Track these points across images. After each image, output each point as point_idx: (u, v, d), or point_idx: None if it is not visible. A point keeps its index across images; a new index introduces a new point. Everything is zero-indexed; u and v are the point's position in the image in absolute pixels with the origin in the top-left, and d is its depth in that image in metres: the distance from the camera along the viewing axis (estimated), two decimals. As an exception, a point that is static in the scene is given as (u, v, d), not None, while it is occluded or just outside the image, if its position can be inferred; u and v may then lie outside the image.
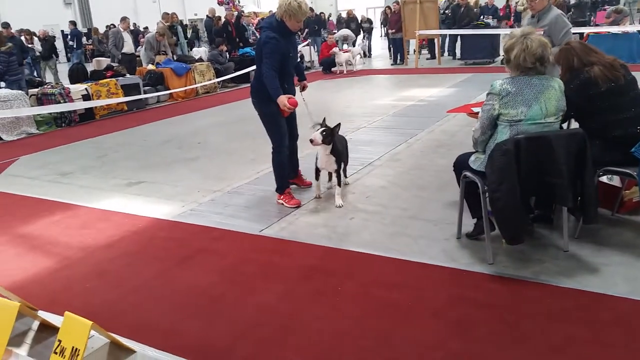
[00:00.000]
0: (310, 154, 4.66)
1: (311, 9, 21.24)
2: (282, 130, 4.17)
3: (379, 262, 3.24)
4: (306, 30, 16.47)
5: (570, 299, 2.68)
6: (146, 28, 19.30)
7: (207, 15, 16.27)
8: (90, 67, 11.02)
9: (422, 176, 4.81)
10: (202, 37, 16.02)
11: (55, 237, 4.02)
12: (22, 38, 13.96)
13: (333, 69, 14.24)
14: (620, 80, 3.07)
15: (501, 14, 16.61)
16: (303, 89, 4.38)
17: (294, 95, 4.15)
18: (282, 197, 4.28)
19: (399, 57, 15.08)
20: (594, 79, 3.06)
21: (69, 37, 15.73)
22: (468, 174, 3.16)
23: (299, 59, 4.24)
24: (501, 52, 3.73)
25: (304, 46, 15.34)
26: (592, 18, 15.99)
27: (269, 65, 3.83)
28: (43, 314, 2.49)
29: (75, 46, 15.51)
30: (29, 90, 9.11)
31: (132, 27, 19.88)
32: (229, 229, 3.90)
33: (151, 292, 3.07)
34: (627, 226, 3.45)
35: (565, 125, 3.50)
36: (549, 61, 2.90)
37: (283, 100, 3.81)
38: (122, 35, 11.72)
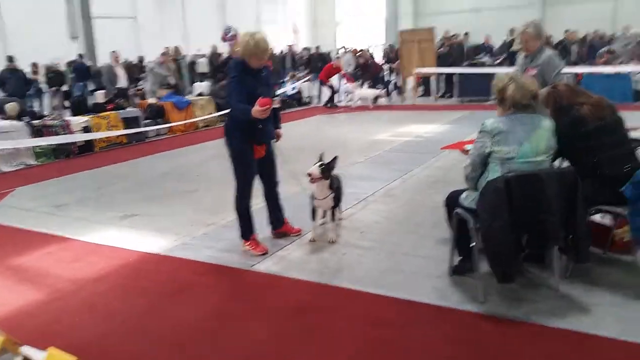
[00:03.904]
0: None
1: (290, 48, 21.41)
2: (250, 174, 3.97)
3: (371, 299, 3.23)
4: (308, 67, 16.75)
5: (562, 340, 2.66)
6: (142, 60, 19.66)
7: (210, 52, 16.67)
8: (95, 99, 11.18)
9: (416, 212, 4.82)
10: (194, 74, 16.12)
11: (46, 269, 4.00)
12: (27, 70, 14.20)
13: (330, 105, 14.24)
14: (607, 119, 3.13)
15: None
16: (277, 138, 4.18)
17: (271, 139, 4.05)
18: (247, 243, 4.05)
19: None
20: (583, 117, 3.12)
21: (72, 70, 15.91)
22: (460, 211, 3.18)
23: (277, 104, 3.97)
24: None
25: (303, 82, 15.56)
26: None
27: (235, 99, 3.74)
28: (27, 350, 2.46)
29: (76, 79, 15.72)
30: (31, 121, 9.20)
31: (135, 61, 20.29)
32: (221, 263, 3.88)
33: (139, 326, 3.04)
34: (618, 266, 3.44)
35: (557, 164, 3.53)
36: (539, 99, 2.97)
37: (255, 109, 3.55)
38: (114, 70, 11.90)
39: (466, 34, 17.00)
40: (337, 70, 14.42)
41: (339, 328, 2.90)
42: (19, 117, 8.98)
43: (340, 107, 14.02)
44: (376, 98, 13.86)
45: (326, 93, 15.06)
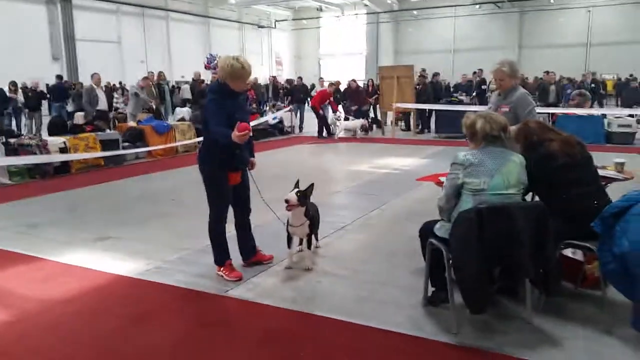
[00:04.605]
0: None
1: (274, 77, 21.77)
2: (224, 200, 3.96)
3: (344, 327, 3.21)
4: (290, 97, 16.93)
5: (532, 372, 2.67)
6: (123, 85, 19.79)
7: (192, 79, 16.78)
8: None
9: (393, 242, 4.84)
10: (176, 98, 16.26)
11: (14, 289, 3.88)
12: (6, 89, 14.06)
13: (322, 135, 14.31)
14: (576, 156, 3.23)
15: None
16: (252, 167, 4.18)
17: (247, 164, 4.04)
18: (222, 269, 4.00)
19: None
20: (553, 153, 3.21)
21: (50, 90, 16.07)
22: (433, 241, 3.21)
23: (250, 132, 3.79)
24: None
25: (285, 112, 15.70)
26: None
27: (215, 122, 3.68)
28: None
29: (52, 99, 15.78)
30: (6, 140, 9.07)
31: (118, 85, 20.29)
32: (194, 288, 3.82)
33: (106, 350, 2.97)
34: (589, 300, 3.49)
35: (528, 199, 3.61)
36: (510, 132, 3.06)
37: (235, 133, 3.47)
38: (95, 92, 11.87)
39: (479, 70, 16.93)
40: (329, 95, 14.55)
41: (311, 356, 2.87)
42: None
43: (329, 138, 14.13)
44: (363, 128, 14.20)
45: (308, 122, 15.21)
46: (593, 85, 16.69)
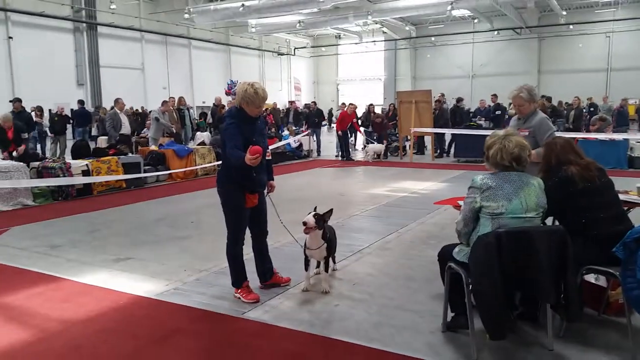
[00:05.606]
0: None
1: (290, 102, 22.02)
2: (242, 222, 4.00)
3: (361, 352, 3.17)
4: (306, 123, 17.13)
5: (555, 400, 2.60)
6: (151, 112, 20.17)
7: (213, 104, 17.09)
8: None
9: (411, 266, 4.80)
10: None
11: (34, 309, 3.94)
12: (32, 113, 14.47)
13: (343, 158, 14.54)
14: (595, 181, 3.19)
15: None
16: (270, 189, 4.25)
17: (264, 187, 4.09)
18: (239, 291, 4.01)
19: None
20: (571, 177, 3.19)
21: (72, 115, 16.66)
22: (452, 265, 3.18)
23: (269, 155, 3.94)
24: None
25: (303, 136, 15.85)
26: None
27: (231, 145, 3.74)
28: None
29: (75, 124, 16.27)
30: (31, 162, 9.28)
31: (140, 110, 20.72)
32: (211, 310, 3.83)
33: (124, 370, 2.97)
34: (613, 327, 3.41)
35: (549, 223, 3.56)
36: (527, 162, 3.04)
37: (247, 156, 3.52)
38: (119, 116, 12.13)
39: (493, 96, 16.37)
40: (351, 117, 14.88)
41: (328, 380, 2.85)
42: (17, 131, 9.36)
43: (347, 161, 14.33)
44: (386, 152, 14.68)
45: (326, 146, 15.37)
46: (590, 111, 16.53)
